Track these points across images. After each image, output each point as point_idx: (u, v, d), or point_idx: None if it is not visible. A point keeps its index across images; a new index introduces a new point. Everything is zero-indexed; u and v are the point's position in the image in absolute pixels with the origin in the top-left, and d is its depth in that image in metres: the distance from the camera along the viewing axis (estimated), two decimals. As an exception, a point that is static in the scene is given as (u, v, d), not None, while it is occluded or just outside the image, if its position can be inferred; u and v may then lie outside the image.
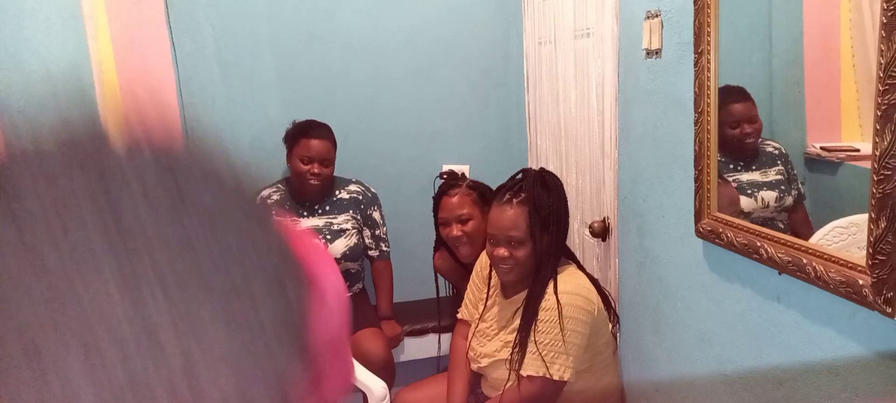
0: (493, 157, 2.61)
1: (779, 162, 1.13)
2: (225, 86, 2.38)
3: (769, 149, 1.15)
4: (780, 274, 1.06)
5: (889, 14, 0.78)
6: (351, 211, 2.24)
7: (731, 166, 1.21)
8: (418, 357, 2.43)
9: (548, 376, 1.44)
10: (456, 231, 1.90)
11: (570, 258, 1.64)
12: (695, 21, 1.21)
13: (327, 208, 2.22)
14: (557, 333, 1.45)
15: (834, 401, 0.98)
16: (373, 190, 2.33)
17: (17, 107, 1.34)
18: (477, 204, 1.94)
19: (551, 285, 1.51)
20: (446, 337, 2.43)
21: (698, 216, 1.27)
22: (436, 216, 2.00)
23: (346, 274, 2.26)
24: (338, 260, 2.18)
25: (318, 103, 2.44)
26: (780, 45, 1.10)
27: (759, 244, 1.08)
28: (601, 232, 1.83)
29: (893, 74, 0.78)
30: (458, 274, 2.10)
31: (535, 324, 1.49)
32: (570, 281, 1.53)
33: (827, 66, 1.04)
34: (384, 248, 2.33)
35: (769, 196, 1.14)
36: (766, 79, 1.13)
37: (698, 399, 1.38)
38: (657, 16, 1.41)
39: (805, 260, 0.98)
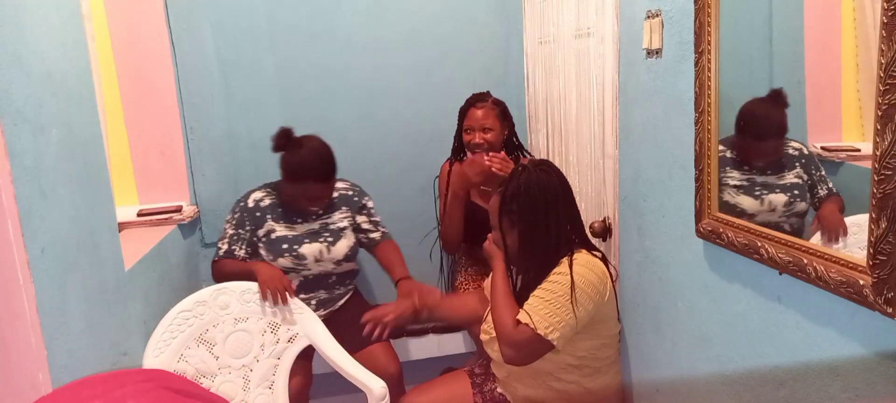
0: (494, 157, 2.60)
1: (797, 164, 1.07)
2: (225, 86, 2.38)
3: (790, 150, 1.09)
4: (780, 274, 1.06)
5: (889, 14, 0.78)
6: (343, 208, 2.19)
7: (746, 167, 1.17)
8: (419, 358, 2.43)
9: (533, 327, 1.45)
10: (478, 138, 2.16)
11: (591, 249, 1.61)
12: (695, 21, 1.21)
13: (320, 211, 2.15)
14: (562, 296, 1.46)
15: (834, 401, 0.98)
16: (357, 183, 2.28)
17: (17, 107, 1.34)
18: (499, 118, 2.19)
19: (566, 259, 1.52)
20: (447, 338, 2.43)
21: (699, 216, 1.27)
22: (460, 125, 2.24)
23: (348, 275, 2.24)
24: (339, 263, 2.16)
25: (317, 102, 2.44)
26: (780, 44, 1.10)
27: (759, 244, 1.08)
28: (602, 232, 1.83)
29: (894, 74, 0.78)
30: (464, 185, 2.17)
31: (541, 285, 1.51)
32: (585, 259, 1.53)
33: (827, 66, 1.04)
34: (383, 229, 2.25)
35: (777, 199, 1.11)
36: (766, 79, 1.13)
37: (699, 400, 1.38)
38: (657, 15, 1.41)
39: (805, 261, 0.98)
